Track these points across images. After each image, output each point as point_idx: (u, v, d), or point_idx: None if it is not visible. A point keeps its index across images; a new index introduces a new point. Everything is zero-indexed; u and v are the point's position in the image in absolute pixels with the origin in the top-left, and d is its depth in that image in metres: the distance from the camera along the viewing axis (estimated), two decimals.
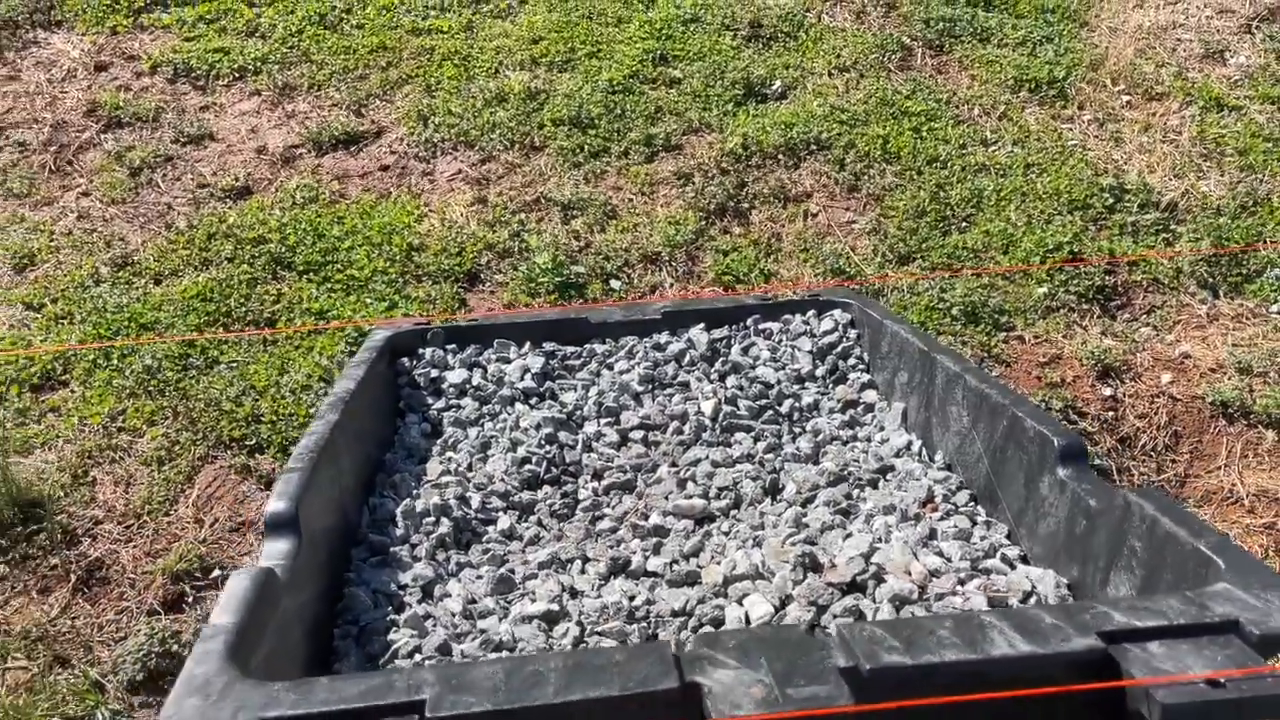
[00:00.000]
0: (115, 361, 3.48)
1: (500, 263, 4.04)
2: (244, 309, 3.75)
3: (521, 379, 2.67)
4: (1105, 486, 1.72)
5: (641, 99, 4.91)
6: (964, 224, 4.19)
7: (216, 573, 2.81)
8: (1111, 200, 4.26)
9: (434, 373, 2.71)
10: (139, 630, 2.63)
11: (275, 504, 1.69)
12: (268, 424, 3.24)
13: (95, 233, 4.14)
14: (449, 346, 2.78)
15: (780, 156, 4.55)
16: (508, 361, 2.75)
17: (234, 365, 3.49)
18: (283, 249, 4.02)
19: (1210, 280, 3.91)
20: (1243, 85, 5.01)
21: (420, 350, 2.75)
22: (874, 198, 4.36)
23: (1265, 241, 4.01)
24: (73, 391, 3.41)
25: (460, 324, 2.87)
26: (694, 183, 4.42)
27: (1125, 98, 4.95)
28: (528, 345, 2.79)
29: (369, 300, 3.80)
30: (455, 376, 2.69)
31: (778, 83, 5.03)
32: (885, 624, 1.23)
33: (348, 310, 3.74)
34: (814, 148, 4.59)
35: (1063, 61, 5.14)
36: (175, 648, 2.58)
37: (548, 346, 2.80)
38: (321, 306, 3.76)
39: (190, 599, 2.75)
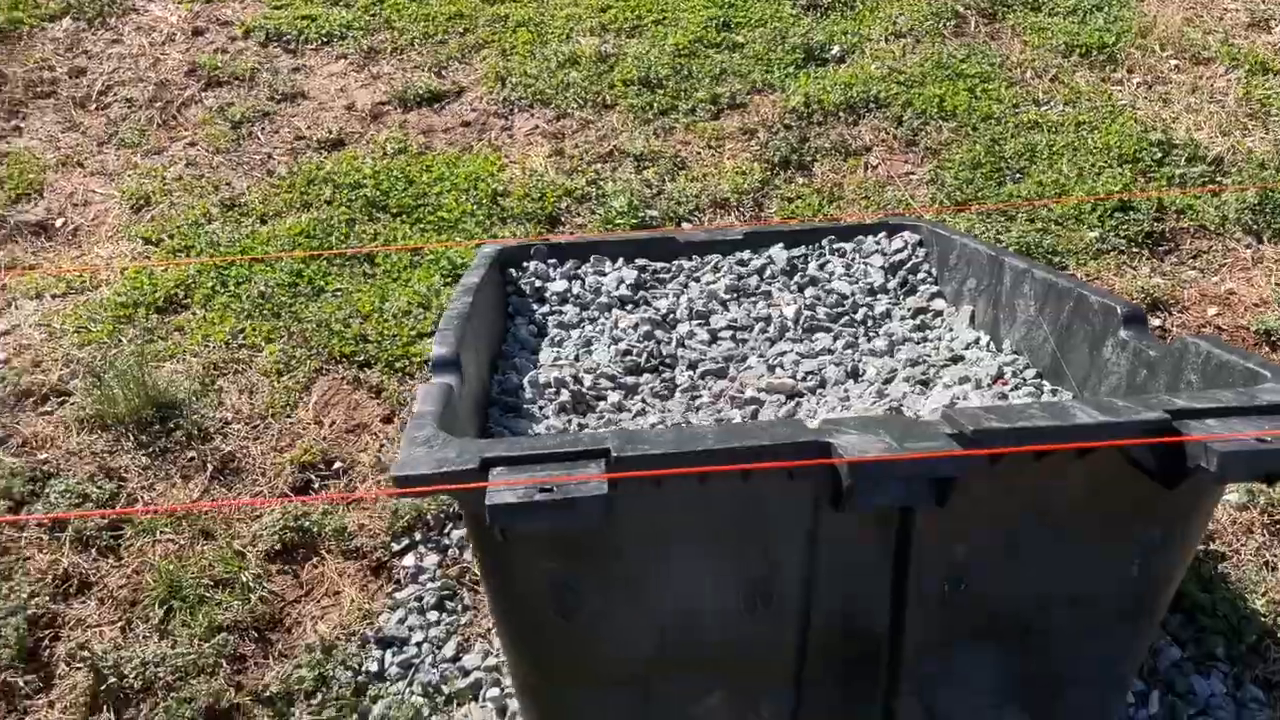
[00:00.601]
0: (232, 288, 3.79)
1: (578, 207, 4.31)
2: (344, 245, 4.04)
3: (617, 288, 2.93)
4: (1163, 340, 1.95)
5: (706, 62, 5.17)
6: (1018, 175, 4.41)
7: (338, 465, 3.10)
8: (1160, 155, 4.45)
9: (538, 282, 2.97)
10: (273, 510, 2.92)
11: (439, 349, 1.96)
12: (374, 343, 3.53)
13: (204, 178, 4.46)
14: (550, 260, 3.06)
15: (840, 114, 4.78)
16: (604, 274, 3.01)
17: (339, 293, 3.78)
18: (377, 193, 4.32)
19: (1255, 227, 4.10)
20: None
21: (525, 263, 3.02)
22: (931, 151, 4.58)
23: None
24: (194, 314, 3.71)
25: (560, 242, 3.14)
26: (759, 137, 4.67)
27: (1173, 62, 5.13)
28: (621, 260, 3.06)
29: (459, 239, 4.08)
30: (557, 286, 2.95)
31: (836, 47, 5.26)
32: (984, 407, 1.48)
33: (440, 248, 4.03)
34: (873, 106, 4.83)
35: (1112, 29, 5.33)
36: (306, 524, 2.87)
37: (639, 262, 3.06)
38: (416, 244, 4.05)
39: (316, 486, 3.04)
